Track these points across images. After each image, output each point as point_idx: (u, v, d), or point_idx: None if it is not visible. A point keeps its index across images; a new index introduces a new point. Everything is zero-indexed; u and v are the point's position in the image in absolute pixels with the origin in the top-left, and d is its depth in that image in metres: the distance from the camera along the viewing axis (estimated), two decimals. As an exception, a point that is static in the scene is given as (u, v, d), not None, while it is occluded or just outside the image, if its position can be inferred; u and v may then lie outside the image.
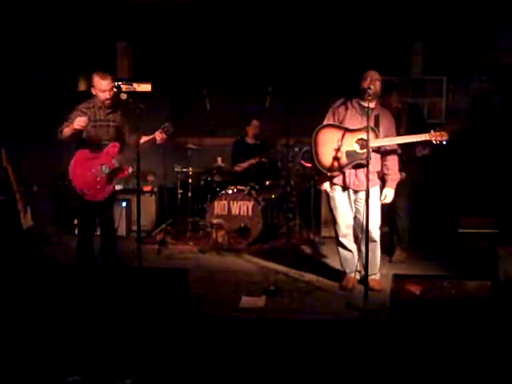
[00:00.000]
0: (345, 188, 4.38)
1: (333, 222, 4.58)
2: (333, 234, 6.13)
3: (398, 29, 6.73)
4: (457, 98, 6.94)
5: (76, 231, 5.81)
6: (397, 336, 3.08)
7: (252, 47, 6.97)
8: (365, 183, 4.13)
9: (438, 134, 4.15)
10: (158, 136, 4.41)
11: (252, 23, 6.80)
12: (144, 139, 4.40)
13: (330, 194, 4.46)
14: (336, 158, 4.28)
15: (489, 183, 6.31)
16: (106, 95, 4.37)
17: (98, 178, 4.38)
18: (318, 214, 6.46)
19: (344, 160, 4.27)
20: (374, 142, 4.14)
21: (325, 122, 4.40)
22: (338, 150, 4.26)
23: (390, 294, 3.35)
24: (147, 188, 6.75)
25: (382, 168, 4.39)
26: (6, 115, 6.53)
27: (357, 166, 4.27)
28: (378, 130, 4.22)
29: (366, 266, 4.01)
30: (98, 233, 4.61)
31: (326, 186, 4.46)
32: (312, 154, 4.41)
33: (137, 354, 3.10)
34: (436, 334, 3.00)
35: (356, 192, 4.37)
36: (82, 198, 4.37)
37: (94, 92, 4.40)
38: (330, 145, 4.28)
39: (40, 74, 6.79)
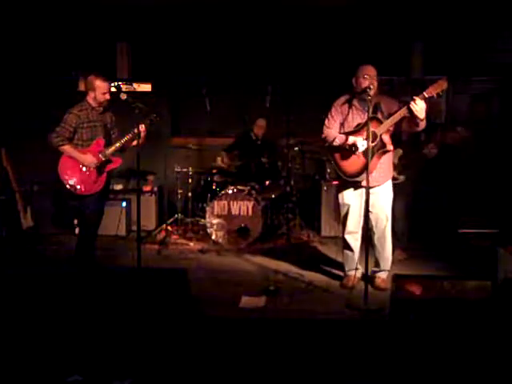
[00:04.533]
0: (357, 186, 4.33)
1: (341, 218, 4.53)
2: (333, 233, 6.22)
3: (397, 29, 6.73)
4: (457, 98, 6.93)
5: (76, 231, 5.83)
6: (397, 336, 3.08)
7: (252, 47, 6.97)
8: (378, 179, 4.19)
9: (434, 86, 3.84)
10: (141, 128, 4.39)
11: (252, 23, 6.80)
12: (128, 136, 4.51)
13: (340, 189, 4.43)
14: (357, 162, 4.25)
15: (489, 183, 6.31)
16: (107, 96, 4.50)
17: (88, 173, 4.47)
18: (318, 213, 6.45)
19: (363, 160, 4.18)
20: (381, 129, 4.10)
21: (328, 123, 4.39)
22: (354, 154, 4.23)
23: (390, 293, 3.35)
24: (147, 188, 6.75)
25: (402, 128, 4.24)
26: (6, 115, 6.54)
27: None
28: (382, 115, 4.18)
29: (365, 266, 4.00)
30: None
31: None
32: (335, 170, 4.43)
33: (137, 354, 3.10)
34: (436, 333, 3.00)
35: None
36: (74, 193, 4.48)
37: (92, 94, 4.49)
38: (347, 154, 4.28)
39: (40, 73, 6.80)
